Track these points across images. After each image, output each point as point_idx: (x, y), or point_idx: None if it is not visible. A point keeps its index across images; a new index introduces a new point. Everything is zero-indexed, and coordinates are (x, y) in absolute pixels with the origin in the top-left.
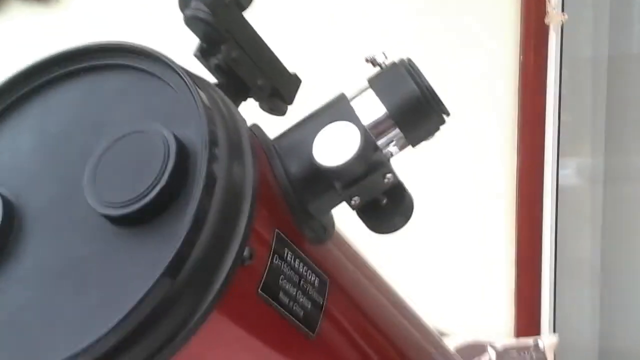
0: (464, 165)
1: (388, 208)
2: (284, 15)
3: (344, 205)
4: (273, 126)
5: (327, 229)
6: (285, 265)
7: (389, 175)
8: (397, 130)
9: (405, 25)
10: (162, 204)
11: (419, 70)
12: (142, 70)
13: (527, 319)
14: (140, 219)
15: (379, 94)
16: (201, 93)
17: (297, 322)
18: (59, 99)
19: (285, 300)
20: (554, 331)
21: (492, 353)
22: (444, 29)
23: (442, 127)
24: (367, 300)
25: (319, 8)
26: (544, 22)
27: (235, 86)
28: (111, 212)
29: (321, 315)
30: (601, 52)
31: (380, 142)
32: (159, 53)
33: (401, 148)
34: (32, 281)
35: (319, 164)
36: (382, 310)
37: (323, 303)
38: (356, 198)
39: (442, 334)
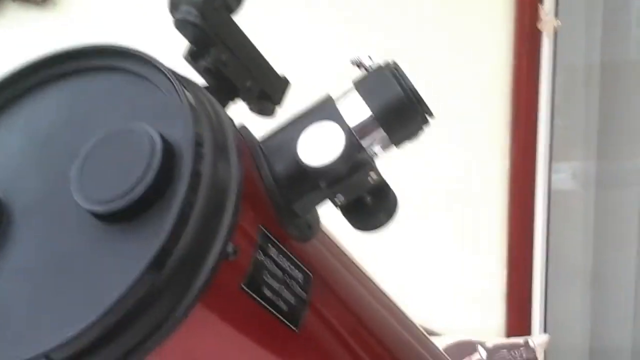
0: (456, 166)
1: (372, 207)
2: (274, 18)
3: (331, 204)
4: (265, 128)
5: (312, 226)
6: (269, 261)
7: (372, 174)
8: (381, 131)
9: (398, 29)
10: (147, 201)
11: (403, 73)
12: (130, 72)
13: (518, 319)
14: (126, 216)
15: (364, 95)
16: (187, 94)
17: (281, 317)
18: (48, 100)
19: (269, 295)
20: (545, 331)
21: (482, 352)
22: (438, 34)
23: (429, 129)
24: (352, 296)
25: (310, 11)
26: (537, 28)
27: (224, 88)
28: (97, 209)
29: (305, 310)
30: (594, 58)
31: (364, 143)
32: (147, 55)
33: (385, 149)
34: (18, 276)
35: (304, 164)
36: (367, 306)
37: (307, 298)
38: (340, 197)
39: (434, 333)
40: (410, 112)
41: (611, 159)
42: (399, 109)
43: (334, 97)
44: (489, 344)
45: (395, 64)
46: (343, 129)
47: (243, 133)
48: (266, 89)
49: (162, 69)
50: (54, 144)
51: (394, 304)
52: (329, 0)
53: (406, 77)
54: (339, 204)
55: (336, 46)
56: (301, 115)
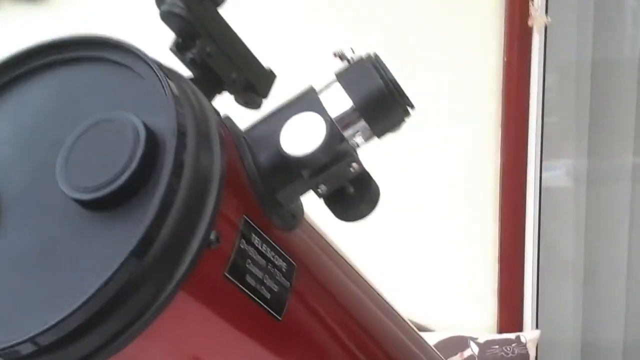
0: (448, 163)
1: (354, 196)
2: (260, 11)
3: (314, 195)
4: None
5: (295, 216)
6: (252, 250)
7: (354, 164)
8: (363, 122)
9: (388, 25)
10: (131, 189)
11: (384, 65)
12: (115, 62)
13: (509, 315)
14: (110, 203)
15: (345, 87)
16: (171, 83)
17: (264, 305)
18: (35, 90)
19: (252, 283)
20: (537, 327)
21: (474, 348)
22: (428, 30)
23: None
24: (336, 286)
25: (296, 3)
26: (528, 25)
27: (210, 80)
28: (82, 197)
29: (288, 299)
30: (585, 55)
31: (346, 133)
32: (131, 45)
33: (367, 139)
34: (4, 263)
35: (286, 153)
36: (352, 295)
37: (290, 287)
38: (323, 186)
39: (426, 329)
40: (390, 103)
41: (602, 156)
42: (380, 100)
43: (317, 89)
44: (481, 340)
45: (376, 55)
46: (324, 119)
47: (227, 123)
48: (252, 81)
49: (146, 59)
50: (40, 134)
51: (379, 294)
52: (328, 1)
53: (387, 69)
54: (322, 194)
55: (332, 44)
56: (284, 106)
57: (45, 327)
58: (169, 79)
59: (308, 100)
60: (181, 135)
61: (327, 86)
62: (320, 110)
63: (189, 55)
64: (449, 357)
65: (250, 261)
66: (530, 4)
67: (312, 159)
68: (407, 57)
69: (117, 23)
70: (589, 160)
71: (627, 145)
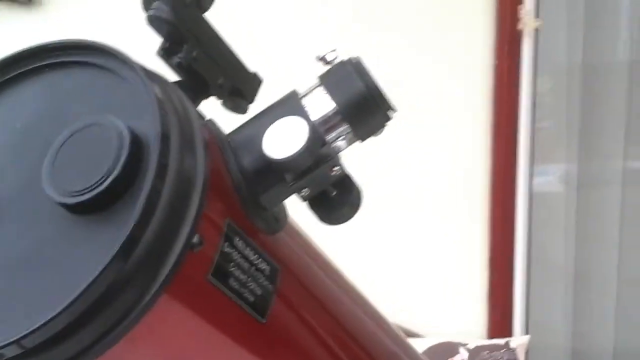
0: (438, 168)
1: (337, 199)
2: (257, 13)
3: (298, 198)
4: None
5: (279, 220)
6: (235, 253)
7: (336, 168)
8: (345, 126)
9: (380, 29)
10: (116, 193)
11: (365, 68)
12: (101, 67)
13: (499, 320)
14: (96, 207)
15: (327, 90)
16: (155, 87)
17: (248, 307)
18: (23, 95)
19: (236, 286)
20: (527, 332)
21: (464, 353)
22: (418, 35)
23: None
24: (320, 288)
25: (282, 8)
26: (518, 29)
27: (197, 84)
28: (67, 201)
29: (272, 302)
30: (575, 59)
31: (328, 137)
32: (117, 50)
33: (350, 143)
34: None
35: (269, 157)
36: (336, 297)
37: (274, 290)
38: (306, 190)
39: (416, 335)
40: (372, 107)
41: (592, 160)
42: (361, 104)
43: (299, 92)
44: (471, 345)
45: (357, 59)
46: (306, 123)
47: (211, 127)
48: (238, 86)
49: (131, 63)
50: (28, 138)
51: (363, 297)
52: (321, 2)
53: (368, 73)
54: (305, 197)
55: (328, 46)
56: (267, 110)
57: (31, 329)
58: (153, 83)
59: (291, 104)
60: (165, 139)
61: (310, 90)
62: (303, 114)
63: (176, 59)
64: None
65: (233, 264)
66: (520, 7)
67: (294, 162)
68: (396, 60)
69: (109, 27)
70: (579, 165)
71: (617, 149)
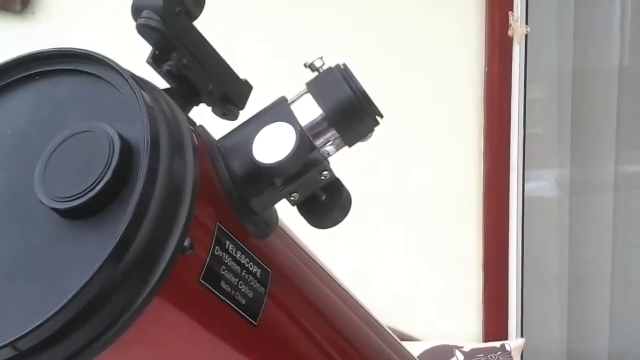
0: (431, 173)
1: (326, 204)
2: (255, 15)
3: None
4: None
5: (270, 224)
6: (226, 256)
7: (325, 172)
8: (333, 131)
9: (370, 34)
10: (107, 198)
11: (352, 74)
12: (92, 75)
13: (494, 323)
14: (88, 212)
15: (315, 97)
16: (145, 95)
17: (239, 310)
18: (15, 102)
19: (227, 289)
20: (522, 335)
21: (460, 356)
22: (408, 41)
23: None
24: (312, 291)
25: (273, 14)
26: (508, 35)
27: (187, 91)
28: (59, 206)
29: (263, 304)
30: (566, 65)
31: (317, 142)
32: (107, 58)
33: (337, 148)
34: None
35: (259, 162)
36: (327, 300)
37: (265, 293)
38: (295, 194)
39: (412, 338)
40: (359, 113)
41: (585, 165)
42: (348, 109)
43: (288, 98)
44: (466, 349)
45: (345, 65)
46: (295, 128)
47: (200, 133)
48: (228, 93)
49: (120, 71)
50: (20, 144)
51: (355, 299)
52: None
53: (355, 79)
54: (295, 201)
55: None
56: (256, 116)
57: (25, 331)
58: (143, 90)
59: (279, 110)
60: (154, 144)
61: (298, 96)
62: (291, 120)
63: (166, 67)
64: None
65: (224, 267)
66: (509, 14)
67: (283, 167)
68: (387, 66)
69: (100, 36)
70: (571, 170)
71: (609, 154)
